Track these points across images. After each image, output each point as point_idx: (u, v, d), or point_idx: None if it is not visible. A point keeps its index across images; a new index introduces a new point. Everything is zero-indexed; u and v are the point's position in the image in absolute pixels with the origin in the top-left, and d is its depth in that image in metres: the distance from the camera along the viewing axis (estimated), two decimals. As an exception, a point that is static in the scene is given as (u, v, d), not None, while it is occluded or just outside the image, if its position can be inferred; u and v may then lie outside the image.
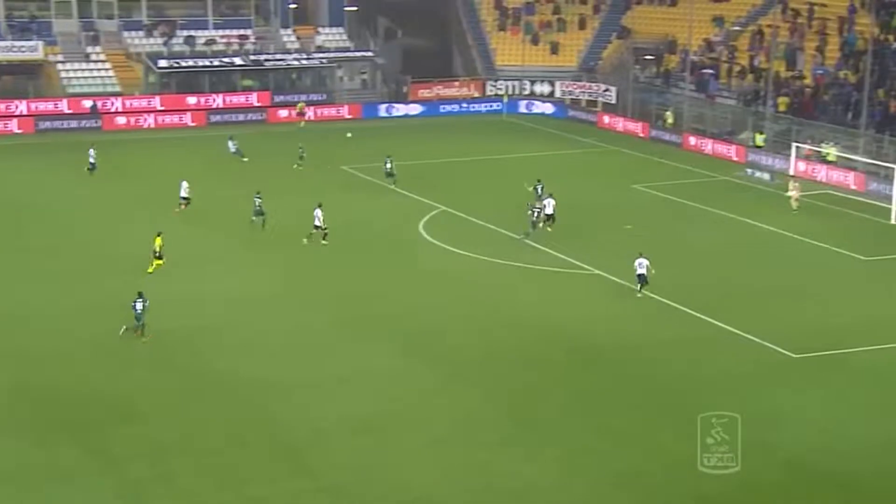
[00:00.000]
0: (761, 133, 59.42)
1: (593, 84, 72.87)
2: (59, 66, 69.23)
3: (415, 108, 73.10)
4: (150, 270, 37.26)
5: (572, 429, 27.19)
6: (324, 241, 41.35)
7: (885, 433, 27.21)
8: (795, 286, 38.25)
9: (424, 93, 74.63)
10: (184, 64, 70.29)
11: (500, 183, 52.56)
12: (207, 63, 70.93)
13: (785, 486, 24.71)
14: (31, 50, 68.88)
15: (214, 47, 72.96)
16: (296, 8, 76.28)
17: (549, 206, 43.45)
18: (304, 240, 41.35)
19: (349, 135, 61.70)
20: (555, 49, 76.80)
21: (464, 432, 26.94)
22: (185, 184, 46.18)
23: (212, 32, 74.17)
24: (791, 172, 51.02)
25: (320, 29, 77.82)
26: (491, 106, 73.78)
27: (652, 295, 36.72)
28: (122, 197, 50.14)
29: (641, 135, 65.65)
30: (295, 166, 54.88)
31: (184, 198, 45.87)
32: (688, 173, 56.23)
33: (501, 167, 57.01)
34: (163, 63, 69.84)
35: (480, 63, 77.49)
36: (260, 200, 43.82)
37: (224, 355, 31.48)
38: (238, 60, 71.68)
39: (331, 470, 25.08)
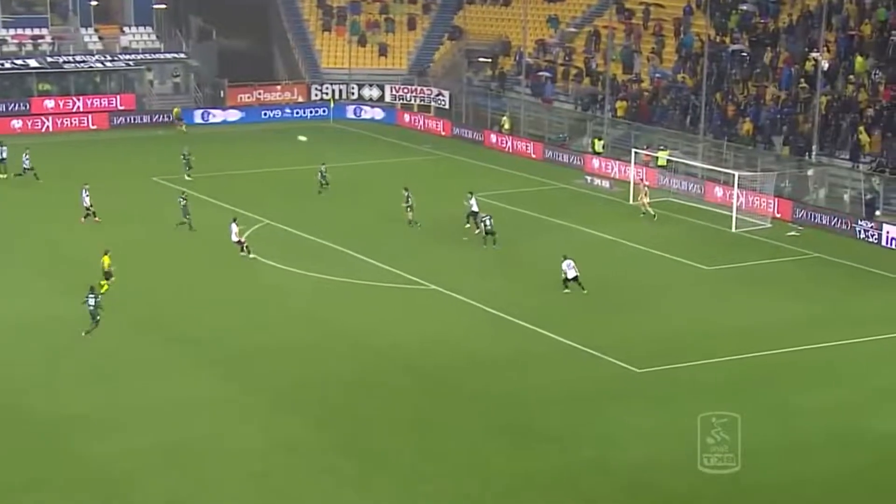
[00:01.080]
0: (600, 139, 61.10)
1: (425, 88, 73.57)
2: None
3: (234, 114, 72.30)
4: (102, 291, 36.12)
5: (404, 454, 27.36)
6: (251, 256, 41.56)
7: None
8: (639, 297, 39.42)
9: (244, 97, 73.93)
10: (-28, 66, 67.75)
11: (327, 193, 52.47)
12: (-1, 65, 68.53)
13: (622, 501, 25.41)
14: None
15: (6, 48, 70.45)
16: (97, 5, 74.41)
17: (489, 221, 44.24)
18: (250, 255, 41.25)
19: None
20: (383, 51, 77.24)
21: (286, 462, 26.77)
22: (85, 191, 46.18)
23: (2, 32, 71.62)
24: (642, 180, 52.63)
25: (126, 28, 76.22)
26: (317, 111, 73.62)
27: (489, 309, 37.33)
28: None
29: (476, 141, 66.61)
30: (187, 177, 53.57)
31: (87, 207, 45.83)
32: (525, 181, 57.34)
33: (332, 177, 56.88)
34: (-53, 65, 67.15)
35: (304, 65, 77.27)
36: (185, 202, 44.98)
37: (15, 388, 30.39)
38: (34, 62, 69.45)
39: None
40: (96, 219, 46.36)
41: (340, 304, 38.10)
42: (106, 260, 37.46)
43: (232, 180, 53.64)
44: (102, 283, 36.78)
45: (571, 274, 38.54)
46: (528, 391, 31.41)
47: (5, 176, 54.02)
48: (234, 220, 42.41)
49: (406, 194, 47.38)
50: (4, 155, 54.74)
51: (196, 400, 29.99)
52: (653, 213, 49.91)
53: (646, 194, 50.65)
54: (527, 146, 64.04)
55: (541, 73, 69.20)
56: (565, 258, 38.82)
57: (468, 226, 45.58)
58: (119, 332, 34.54)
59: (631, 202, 52.72)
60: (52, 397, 29.92)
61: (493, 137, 66.13)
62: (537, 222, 49.29)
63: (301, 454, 27.20)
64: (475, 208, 46.04)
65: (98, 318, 33.84)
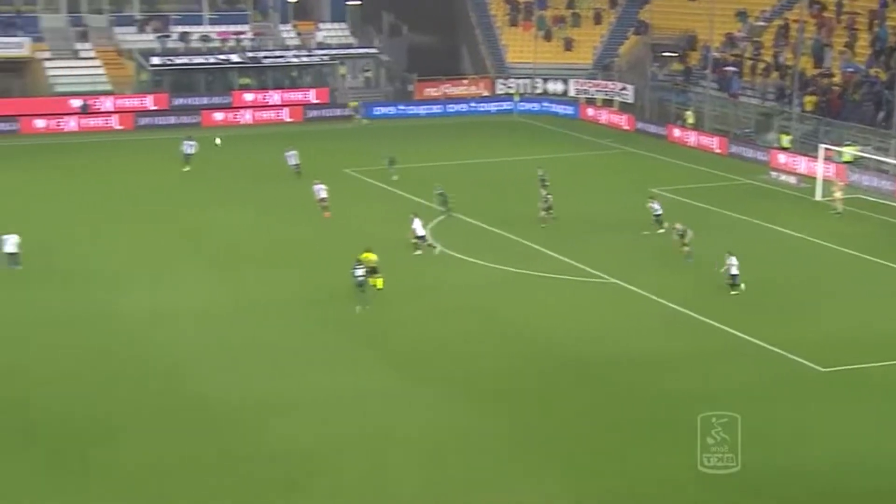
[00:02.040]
0: (787, 134, 58.72)
1: (609, 82, 72.25)
2: (47, 64, 68.90)
3: (421, 108, 72.62)
4: (379, 286, 35.80)
5: (576, 449, 26.54)
6: (436, 251, 40.98)
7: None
8: (825, 296, 37.55)
9: (431, 91, 74.15)
10: (178, 61, 69.94)
11: (512, 187, 51.97)
12: (203, 60, 70.57)
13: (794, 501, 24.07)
14: (16, 47, 68.58)
15: (210, 44, 72.59)
16: (295, 2, 75.93)
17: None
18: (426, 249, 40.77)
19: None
20: (569, 45, 76.25)
21: (460, 452, 26.32)
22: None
23: (207, 28, 73.83)
24: (833, 176, 50.25)
25: (321, 24, 77.44)
26: (501, 105, 73.24)
27: (670, 304, 36.12)
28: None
29: (660, 136, 65.00)
30: (394, 177, 52.58)
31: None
32: (709, 176, 55.57)
33: (513, 170, 56.43)
34: (156, 60, 69.49)
35: (490, 60, 76.96)
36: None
37: (204, 372, 30.91)
38: (235, 58, 71.30)
39: (323, 490, 24.52)
40: (327, 213, 45.69)
41: (517, 296, 37.45)
42: (370, 256, 36.02)
43: (416, 173, 53.66)
44: (376, 280, 35.76)
45: (734, 271, 36.74)
46: (706, 388, 30.10)
47: (188, 168, 54.46)
48: (415, 215, 41.74)
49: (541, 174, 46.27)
50: (193, 150, 54.85)
51: (372, 390, 29.77)
52: (840, 209, 47.53)
53: (840, 189, 48.24)
54: (711, 141, 62.09)
55: (727, 68, 66.99)
56: (730, 254, 37.09)
57: (661, 230, 43.88)
58: (302, 324, 34.68)
59: (818, 198, 50.41)
60: (239, 384, 30.15)
61: (677, 132, 64.39)
62: (720, 217, 47.59)
63: (475, 445, 26.68)
64: (658, 212, 44.47)
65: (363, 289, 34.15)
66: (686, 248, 40.04)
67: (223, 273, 39.49)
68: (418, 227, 41.12)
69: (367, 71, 75.66)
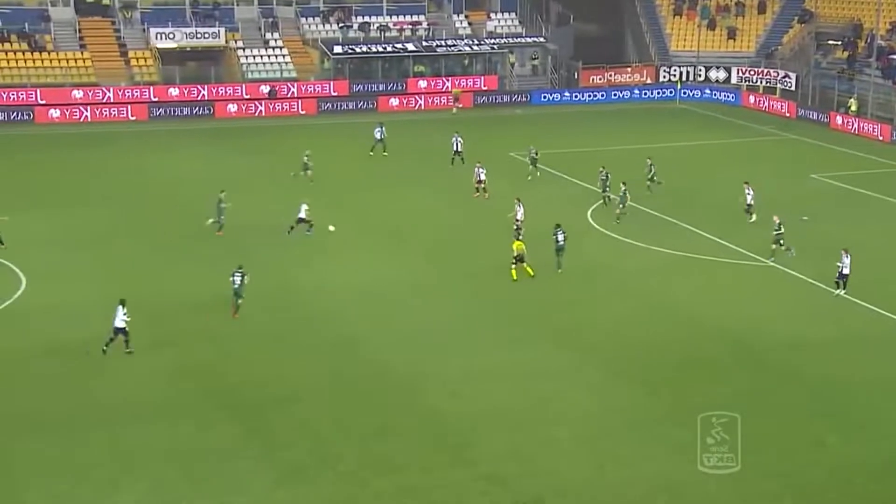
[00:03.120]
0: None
1: (772, 70, 70.19)
2: (240, 53, 71.16)
3: (586, 95, 72.11)
4: (531, 274, 35.95)
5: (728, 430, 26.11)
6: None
7: None
8: None
9: (596, 79, 73.49)
10: (358, 50, 71.22)
11: (674, 172, 51.17)
12: (381, 49, 71.67)
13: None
14: (213, 36, 71.01)
15: (387, 33, 73.61)
16: (469, -7, 76.27)
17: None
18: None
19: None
20: (732, 34, 74.38)
21: (619, 427, 26.32)
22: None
23: (385, 19, 74.88)
24: None
25: (492, 14, 77.55)
26: (664, 93, 72.05)
27: (827, 289, 35.05)
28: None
29: (822, 123, 62.85)
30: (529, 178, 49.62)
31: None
32: (871, 163, 53.51)
33: (675, 155, 55.53)
34: (337, 49, 70.93)
35: (654, 48, 75.75)
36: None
37: (376, 344, 31.56)
38: (410, 46, 72.15)
39: (487, 460, 24.82)
40: (486, 195, 45.83)
41: (675, 278, 36.96)
42: (519, 245, 36.31)
43: (580, 157, 53.37)
44: (525, 267, 35.98)
45: (846, 271, 33.81)
46: (859, 375, 29.17)
47: (386, 154, 55.04)
48: (519, 200, 40.40)
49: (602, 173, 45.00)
50: (381, 136, 55.21)
51: (532, 366, 29.91)
52: None
53: None
54: (874, 128, 59.73)
55: (892, 56, 64.20)
56: (845, 252, 34.15)
57: (751, 220, 41.98)
58: (462, 302, 34.87)
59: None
60: (409, 358, 30.66)
61: (839, 119, 62.15)
62: (879, 203, 45.81)
63: (634, 421, 26.61)
64: (750, 200, 42.09)
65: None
66: (776, 246, 37.51)
67: (393, 252, 40.11)
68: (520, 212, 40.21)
69: (535, 59, 75.46)
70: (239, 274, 32.49)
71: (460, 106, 68.19)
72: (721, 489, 23.59)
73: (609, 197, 44.79)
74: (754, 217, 41.83)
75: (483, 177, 46.44)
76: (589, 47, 76.14)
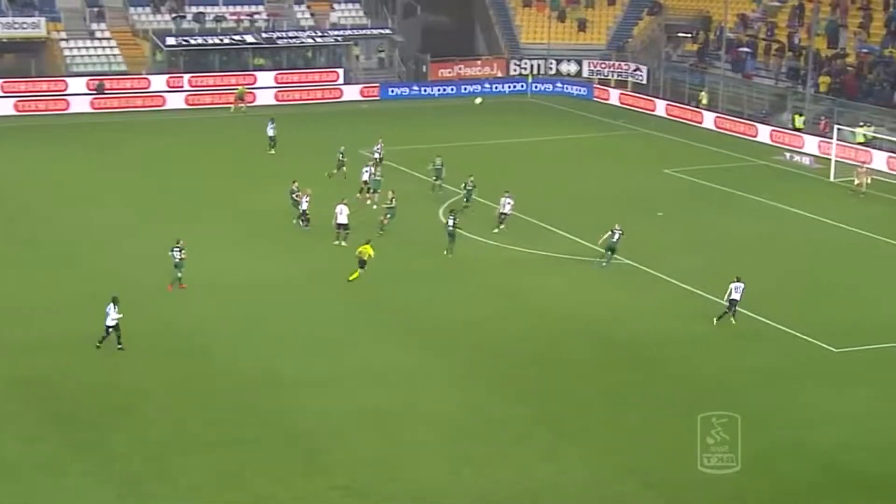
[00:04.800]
0: (801, 115, 58.80)
1: (623, 63, 72.29)
2: (63, 44, 69.21)
3: (435, 89, 72.82)
4: (351, 278, 36.39)
5: (593, 427, 26.98)
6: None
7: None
8: (839, 277, 37.80)
9: (445, 72, 74.29)
10: (193, 42, 70.18)
11: (526, 168, 52.21)
12: (218, 41, 70.80)
13: (819, 486, 24.37)
14: (33, 27, 68.85)
15: (224, 24, 72.77)
16: (310, -17, 76.03)
17: (507, 205, 41.75)
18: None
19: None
20: (582, 26, 76.24)
21: (479, 429, 26.78)
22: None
23: (221, 9, 73.99)
24: (857, 159, 50.05)
25: (335, 5, 77.53)
26: (515, 86, 73.36)
27: (683, 285, 36.41)
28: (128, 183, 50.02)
29: (673, 117, 65.09)
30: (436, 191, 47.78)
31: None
32: (723, 157, 55.71)
33: (526, 151, 56.64)
34: (171, 41, 69.75)
35: (504, 41, 77.02)
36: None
37: (225, 347, 31.34)
38: (249, 38, 71.50)
39: (344, 467, 24.93)
40: (372, 198, 44.80)
41: (533, 277, 37.79)
42: (368, 249, 36.44)
43: (429, 153, 53.85)
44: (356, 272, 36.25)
45: (735, 296, 33.14)
46: (720, 369, 30.48)
47: (273, 153, 54.40)
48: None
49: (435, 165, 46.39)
50: (272, 133, 54.78)
51: (394, 367, 30.25)
52: (864, 191, 47.55)
53: (866, 173, 48.13)
54: (725, 121, 62.14)
55: (741, 49, 66.97)
56: (737, 279, 33.41)
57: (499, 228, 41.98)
58: (327, 301, 35.11)
59: (832, 180, 50.61)
60: (260, 359, 30.65)
61: (691, 113, 64.45)
62: (732, 198, 47.75)
63: (494, 422, 27.13)
64: (508, 210, 41.99)
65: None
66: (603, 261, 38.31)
67: (252, 251, 39.80)
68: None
69: (381, 51, 75.79)
70: (177, 249, 34.65)
71: (242, 107, 66.63)
72: (582, 489, 24.27)
73: (441, 185, 45.79)
74: (503, 227, 41.81)
75: (367, 177, 46.26)
76: (437, 40, 76.86)
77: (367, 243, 36.76)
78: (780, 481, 24.50)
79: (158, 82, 68.03)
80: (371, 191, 44.95)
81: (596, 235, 40.97)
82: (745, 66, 66.08)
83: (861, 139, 53.92)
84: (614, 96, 70.02)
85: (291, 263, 38.47)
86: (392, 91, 71.92)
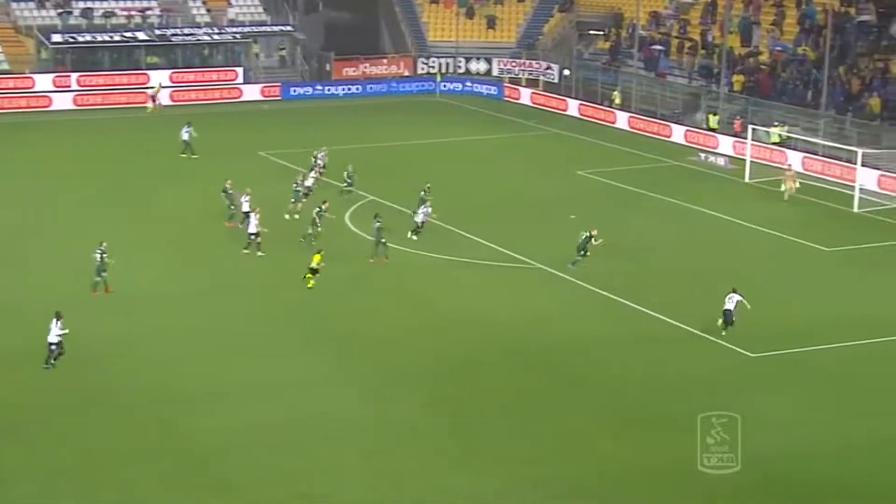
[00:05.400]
0: (715, 114, 60.02)
1: (534, 61, 73.01)
2: (-60, 42, 67.77)
3: (340, 88, 72.76)
4: (309, 286, 36.43)
5: (510, 437, 27.30)
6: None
7: (844, 435, 27.66)
8: (754, 280, 38.62)
9: (350, 71, 74.30)
10: (80, 39, 69.13)
11: (434, 170, 52.39)
12: (107, 38, 69.84)
13: (744, 491, 24.94)
14: None
15: (114, 20, 71.81)
16: (206, -24, 75.46)
17: (422, 214, 42.09)
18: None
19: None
20: (492, 23, 76.84)
21: (395, 442, 26.96)
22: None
23: (111, 4, 73.04)
24: (789, 167, 50.91)
25: (233, 1, 77.00)
26: (423, 85, 73.65)
27: (597, 290, 36.95)
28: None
29: (586, 116, 65.91)
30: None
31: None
32: (637, 158, 56.60)
33: (436, 152, 56.91)
34: (56, 38, 68.61)
35: (411, 38, 77.26)
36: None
37: (127, 359, 31.01)
38: (142, 35, 70.66)
39: (250, 484, 24.90)
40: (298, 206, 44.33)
41: (445, 283, 38.08)
42: (317, 258, 36.50)
43: (334, 156, 53.88)
44: (309, 276, 36.39)
45: (728, 306, 33.24)
46: (636, 375, 31.04)
47: (196, 156, 53.91)
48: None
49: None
50: (188, 136, 54.28)
51: (305, 379, 30.31)
52: (787, 196, 48.30)
53: (793, 178, 48.84)
54: (639, 121, 63.13)
55: (654, 47, 68.13)
56: (734, 291, 33.51)
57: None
58: (231, 311, 35.03)
59: (747, 180, 51.75)
60: (159, 373, 30.44)
61: (604, 112, 65.34)
62: (647, 200, 48.55)
63: (409, 434, 27.35)
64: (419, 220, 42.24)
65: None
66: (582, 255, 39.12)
67: (158, 258, 39.40)
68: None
69: (282, 49, 75.51)
70: (99, 252, 35.47)
71: (160, 105, 66.36)
72: (498, 500, 24.55)
73: (350, 192, 46.08)
74: (414, 237, 41.88)
75: (310, 183, 46.08)
76: (341, 37, 76.81)
77: (318, 252, 36.68)
78: (694, 487, 24.98)
79: (44, 82, 67.08)
80: (296, 200, 44.41)
81: (509, 240, 41.40)
82: (658, 64, 67.24)
83: (776, 139, 55.22)
84: (525, 96, 70.69)
85: (203, 272, 38.38)
86: (294, 91, 71.75)
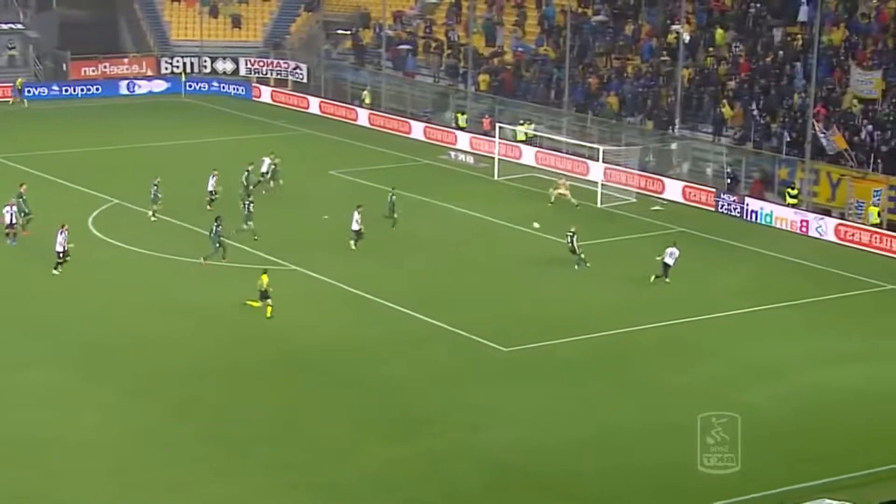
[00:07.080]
0: (463, 113, 61.49)
1: (282, 61, 72.87)
2: None
3: (79, 89, 70.60)
4: (267, 315, 34.69)
5: (268, 441, 27.41)
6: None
7: (584, 430, 28.75)
8: (507, 277, 39.96)
9: (89, 71, 72.18)
10: None
11: (180, 171, 51.66)
12: None
13: (491, 489, 25.80)
14: None
15: None
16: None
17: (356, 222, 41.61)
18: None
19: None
20: (237, 22, 76.21)
21: (143, 453, 26.56)
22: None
23: None
24: (561, 175, 51.99)
25: (-44, -4, 73.51)
26: (167, 85, 72.30)
27: (352, 290, 37.42)
28: None
29: (336, 116, 66.35)
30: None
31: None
32: (387, 157, 57.38)
33: (183, 154, 56.04)
34: None
35: (153, 38, 75.73)
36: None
37: None
38: None
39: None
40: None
41: (194, 287, 37.62)
42: (265, 279, 35.09)
43: (76, 158, 52.43)
44: (253, 301, 35.11)
45: (669, 261, 38.34)
46: (394, 374, 31.64)
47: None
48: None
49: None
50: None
51: (46, 393, 29.42)
52: (575, 202, 48.63)
53: (565, 186, 49.64)
54: (388, 121, 64.01)
55: (401, 46, 69.20)
56: (674, 244, 38.97)
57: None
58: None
59: (496, 178, 53.27)
60: None
61: (354, 112, 65.90)
62: (401, 200, 49.16)
63: (159, 444, 26.94)
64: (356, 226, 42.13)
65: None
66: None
67: None
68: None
69: (13, 48, 72.58)
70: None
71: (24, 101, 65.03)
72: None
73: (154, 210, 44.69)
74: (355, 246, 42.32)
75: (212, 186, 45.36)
76: (78, 35, 74.41)
77: (263, 272, 35.43)
78: (452, 483, 25.73)
79: None
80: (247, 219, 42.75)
81: (264, 242, 41.30)
82: (406, 64, 68.32)
83: (522, 137, 57.10)
84: (266, 94, 70.51)
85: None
86: (29, 91, 69.05)
